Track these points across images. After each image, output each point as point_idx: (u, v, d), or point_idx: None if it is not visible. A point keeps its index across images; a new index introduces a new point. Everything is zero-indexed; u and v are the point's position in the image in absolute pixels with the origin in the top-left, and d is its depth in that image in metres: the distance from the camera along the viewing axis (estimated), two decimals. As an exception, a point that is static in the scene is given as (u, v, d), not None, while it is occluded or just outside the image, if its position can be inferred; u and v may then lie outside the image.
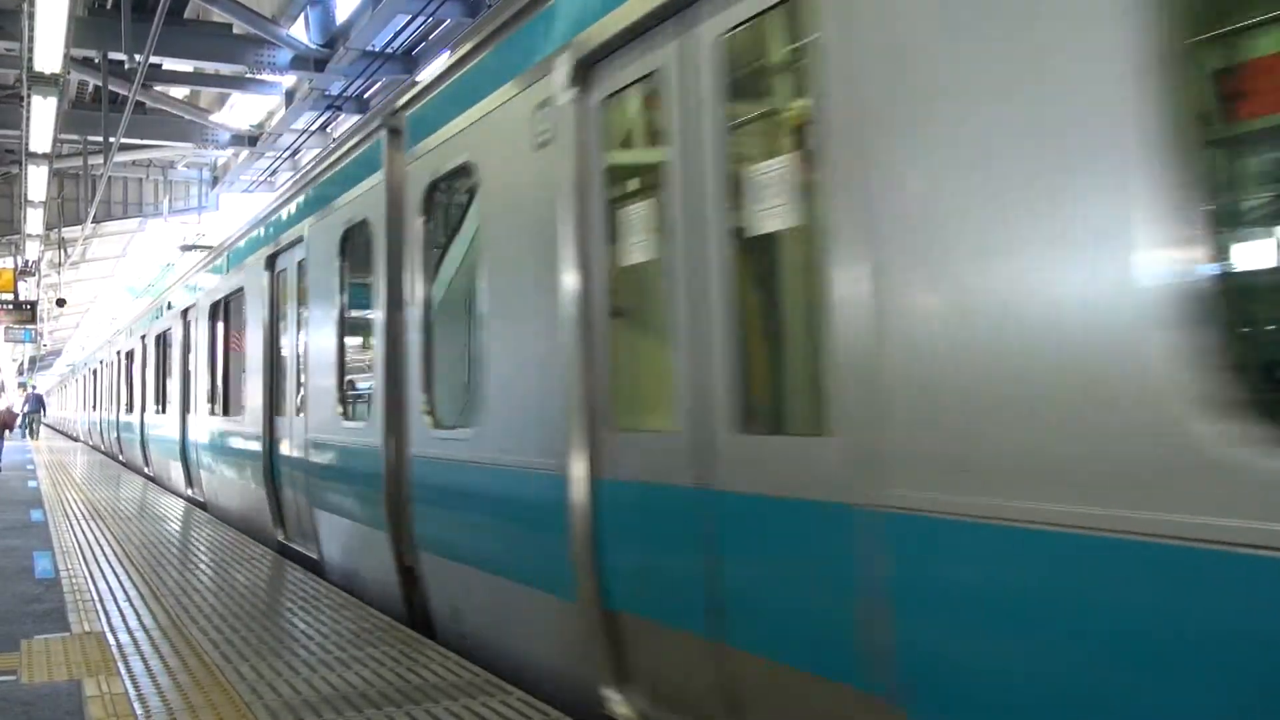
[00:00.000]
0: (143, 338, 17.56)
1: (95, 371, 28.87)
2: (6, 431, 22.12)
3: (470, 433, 4.94)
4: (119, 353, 21.47)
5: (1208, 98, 2.36)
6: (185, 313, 13.18)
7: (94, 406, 28.84)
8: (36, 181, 17.27)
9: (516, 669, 4.61)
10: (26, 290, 28.16)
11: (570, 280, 4.02)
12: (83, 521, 10.18)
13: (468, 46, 5.05)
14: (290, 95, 17.44)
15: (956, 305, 2.45)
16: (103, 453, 25.27)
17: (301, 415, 7.71)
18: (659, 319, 3.63)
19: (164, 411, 14.90)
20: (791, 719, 3.03)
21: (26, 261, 27.37)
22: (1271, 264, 2.38)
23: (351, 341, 7.02)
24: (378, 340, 6.16)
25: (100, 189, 19.86)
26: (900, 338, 2.59)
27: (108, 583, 6.77)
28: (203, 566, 7.38)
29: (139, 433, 17.75)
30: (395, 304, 5.94)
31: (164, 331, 14.98)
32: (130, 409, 19.26)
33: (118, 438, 21.77)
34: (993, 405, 2.36)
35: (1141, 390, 2.07)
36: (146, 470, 17.04)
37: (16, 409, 37.89)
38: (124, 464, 20.06)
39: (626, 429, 3.81)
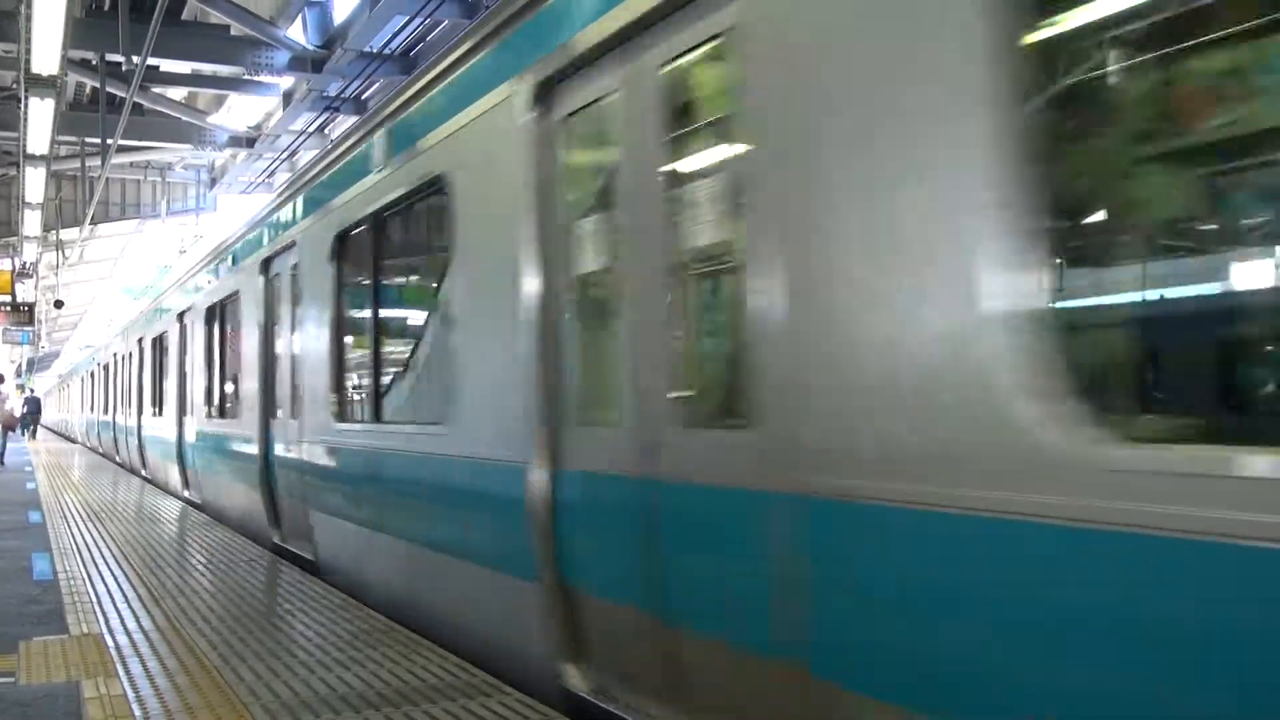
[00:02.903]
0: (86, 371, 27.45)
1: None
2: (10, 433, 22.30)
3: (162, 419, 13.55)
4: (67, 381, 30.16)
5: None
6: (105, 366, 20.60)
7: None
8: (34, 183, 17.28)
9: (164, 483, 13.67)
10: (24, 292, 28.17)
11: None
12: (81, 523, 10.18)
13: (202, 264, 11.37)
14: (288, 96, 17.44)
15: None
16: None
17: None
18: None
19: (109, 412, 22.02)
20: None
21: (24, 263, 27.37)
22: None
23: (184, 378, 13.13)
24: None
25: (98, 190, 19.87)
26: None
27: (106, 584, 6.77)
28: (201, 568, 7.39)
29: (105, 429, 24.09)
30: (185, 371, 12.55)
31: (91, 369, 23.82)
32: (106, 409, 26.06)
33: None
34: None
35: None
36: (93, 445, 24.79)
37: (17, 411, 37.92)
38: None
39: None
